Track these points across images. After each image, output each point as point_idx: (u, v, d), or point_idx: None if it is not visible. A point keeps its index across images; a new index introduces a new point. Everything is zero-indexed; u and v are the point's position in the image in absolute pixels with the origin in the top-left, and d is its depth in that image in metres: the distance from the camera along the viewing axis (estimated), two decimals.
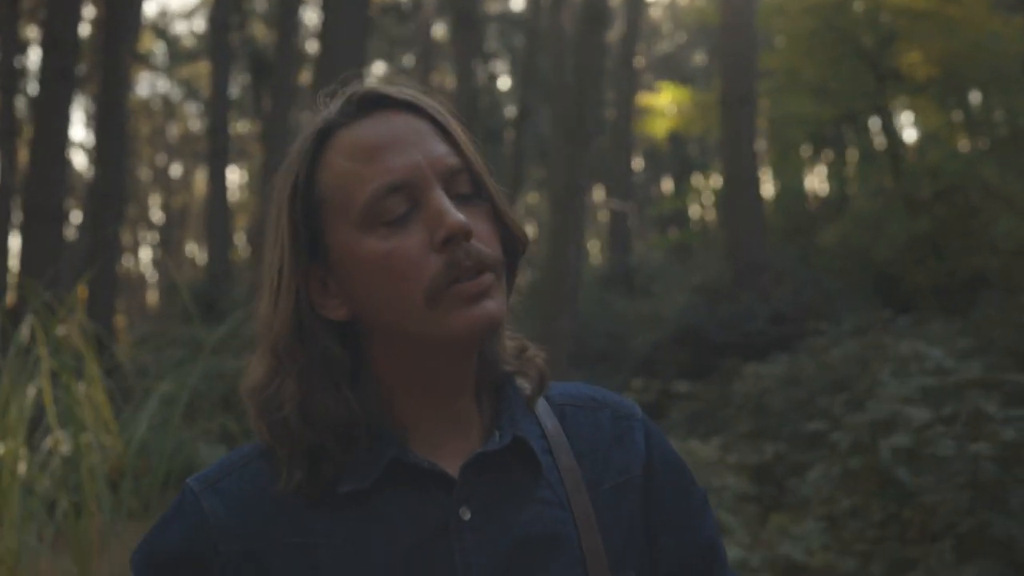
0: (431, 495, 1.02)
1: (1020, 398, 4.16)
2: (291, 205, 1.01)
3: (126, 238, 27.11)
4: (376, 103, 1.02)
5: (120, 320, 20.98)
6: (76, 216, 20.38)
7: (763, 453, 5.76)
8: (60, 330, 4.05)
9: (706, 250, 19.31)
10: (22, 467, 3.62)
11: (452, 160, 1.01)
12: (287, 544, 1.01)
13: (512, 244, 1.06)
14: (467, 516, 1.01)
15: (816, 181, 23.35)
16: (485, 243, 1.00)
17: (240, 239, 31.65)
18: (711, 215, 27.28)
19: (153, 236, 36.31)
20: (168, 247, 35.45)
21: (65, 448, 3.91)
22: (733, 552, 3.63)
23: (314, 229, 1.01)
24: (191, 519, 1.03)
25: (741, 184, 13.73)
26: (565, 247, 12.94)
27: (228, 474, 1.06)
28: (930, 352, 4.70)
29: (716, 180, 20.91)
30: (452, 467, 1.03)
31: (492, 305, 0.99)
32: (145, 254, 37.09)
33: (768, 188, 19.80)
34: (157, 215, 35.88)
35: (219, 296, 18.80)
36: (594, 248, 34.17)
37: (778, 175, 20.11)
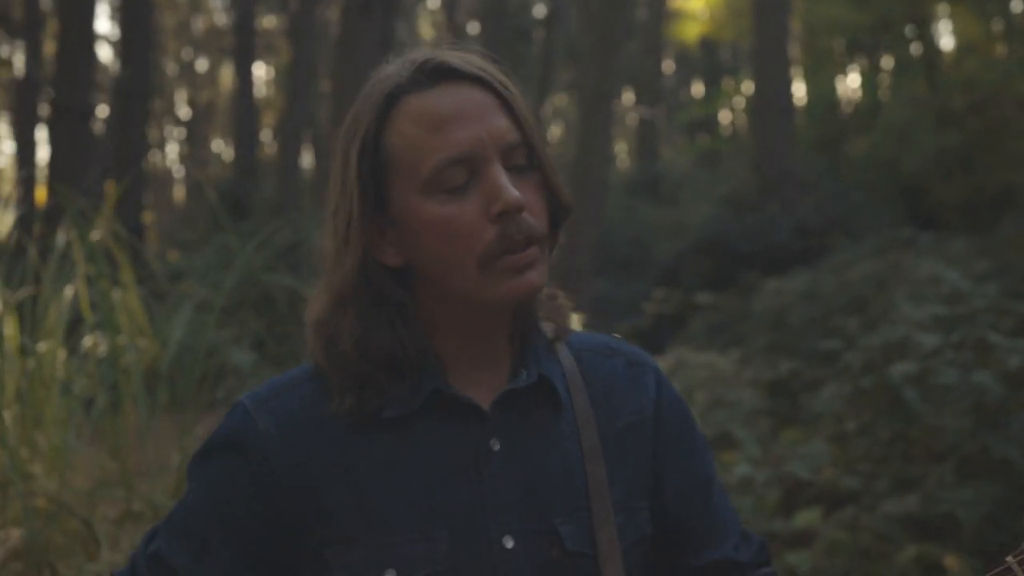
0: (465, 425, 1.13)
1: None
2: (359, 161, 1.09)
3: (152, 133, 27.16)
4: (446, 74, 1.10)
5: (148, 217, 21.19)
6: (102, 109, 20.39)
7: (778, 369, 5.88)
8: (95, 235, 4.17)
9: (734, 158, 19.18)
10: (60, 368, 3.77)
11: (512, 135, 1.09)
12: (332, 463, 1.12)
13: (557, 210, 1.15)
14: (496, 447, 1.14)
15: (849, 90, 22.99)
16: (534, 215, 1.10)
17: (267, 136, 31.66)
18: (742, 121, 26.98)
19: (179, 132, 36.30)
20: (194, 143, 35.49)
21: (102, 349, 4.07)
22: (741, 469, 3.78)
23: (379, 185, 1.10)
24: (246, 433, 1.13)
25: (772, 92, 13.58)
26: (592, 154, 12.92)
27: (279, 394, 1.16)
28: (947, 275, 4.76)
29: (748, 86, 20.63)
30: (484, 400, 1.15)
31: (535, 275, 1.09)
32: (171, 149, 37.17)
33: (800, 95, 19.54)
34: (183, 110, 35.81)
35: (246, 194, 18.93)
36: (621, 152, 33.95)
37: (811, 83, 19.82)
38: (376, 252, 1.12)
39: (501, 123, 1.09)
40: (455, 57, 1.10)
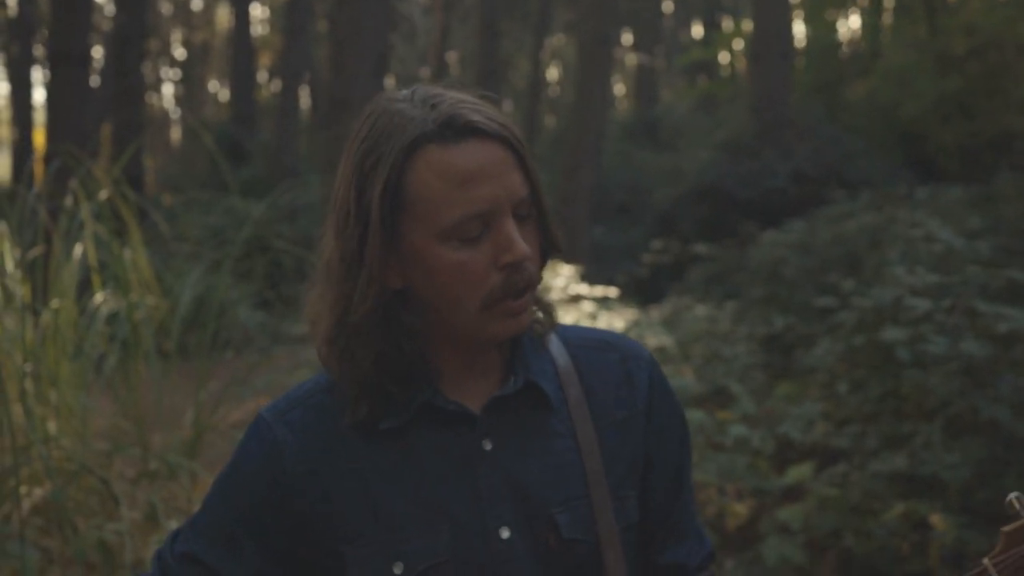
0: (458, 431, 1.25)
1: (1019, 290, 4.34)
2: (381, 200, 1.16)
3: (148, 75, 26.91)
4: (471, 132, 1.16)
5: (149, 162, 21.11)
6: (97, 52, 20.20)
7: (773, 324, 5.99)
8: (102, 195, 4.23)
9: (733, 103, 19.09)
10: (70, 329, 3.85)
11: (523, 190, 1.18)
12: (343, 469, 1.25)
13: (548, 250, 1.26)
14: (488, 447, 1.25)
15: (850, 32, 22.80)
16: (532, 260, 1.20)
17: (263, 77, 31.38)
18: (741, 63, 26.79)
19: (175, 72, 35.98)
20: (191, 84, 35.19)
21: (112, 307, 4.15)
22: (736, 430, 3.89)
23: (395, 220, 1.17)
24: (266, 445, 1.27)
25: (772, 35, 13.47)
26: (590, 99, 12.90)
27: (294, 406, 1.29)
28: (940, 234, 4.85)
29: (748, 26, 20.48)
30: (477, 406, 1.26)
31: (525, 319, 1.22)
32: (167, 90, 36.88)
33: (800, 37, 19.38)
34: (179, 51, 35.44)
35: (244, 138, 18.87)
36: (620, 93, 33.72)
37: (811, 25, 19.65)
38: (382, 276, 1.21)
39: (515, 179, 1.17)
40: (478, 114, 1.17)
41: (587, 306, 6.64)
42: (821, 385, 4.83)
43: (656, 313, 8.03)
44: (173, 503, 3.50)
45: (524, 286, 1.18)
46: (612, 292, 7.35)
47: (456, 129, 1.15)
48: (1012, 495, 1.07)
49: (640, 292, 10.04)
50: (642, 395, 1.32)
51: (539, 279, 1.23)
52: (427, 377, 1.24)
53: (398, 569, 1.21)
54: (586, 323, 6.05)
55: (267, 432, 1.27)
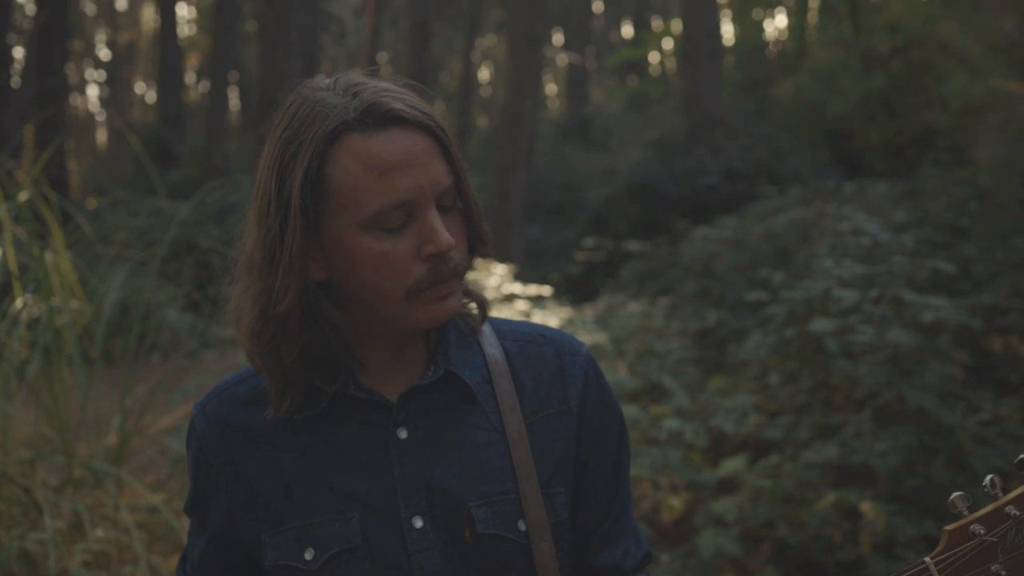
0: (374, 419, 1.24)
1: (943, 280, 4.43)
2: (302, 189, 1.13)
3: (71, 76, 26.35)
4: (394, 120, 1.14)
5: (73, 165, 20.65)
6: (18, 53, 19.71)
7: (706, 319, 6.04)
8: (21, 196, 4.12)
9: (663, 102, 19.27)
10: None
11: (447, 179, 1.16)
12: (260, 457, 1.26)
13: (475, 241, 1.24)
14: (403, 435, 1.24)
15: (776, 32, 23.16)
16: (458, 249, 1.19)
17: (191, 79, 30.91)
18: (671, 63, 27.04)
19: (100, 74, 35.25)
20: (116, 86, 34.50)
21: (34, 312, 4.04)
22: (670, 423, 3.91)
23: (316, 211, 1.15)
24: (193, 438, 1.31)
25: (701, 35, 13.64)
26: (522, 100, 12.91)
27: (215, 397, 1.31)
28: (867, 227, 4.92)
29: (677, 26, 20.70)
30: (396, 396, 1.25)
31: (453, 303, 1.20)
32: (92, 92, 36.11)
33: (728, 38, 19.65)
34: (103, 52, 34.75)
35: (172, 140, 18.57)
36: (551, 93, 33.83)
37: (739, 24, 19.93)
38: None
39: (439, 169, 1.16)
40: (401, 102, 1.15)
41: (521, 305, 6.63)
42: (753, 378, 4.88)
43: (590, 311, 8.06)
44: (99, 511, 3.41)
45: (449, 276, 1.17)
46: (546, 291, 7.35)
47: (378, 117, 1.14)
48: (955, 495, 1.07)
49: (574, 290, 10.08)
50: (576, 391, 1.30)
51: (465, 268, 1.21)
52: (348, 368, 1.23)
53: (308, 554, 1.21)
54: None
55: (192, 425, 1.31)
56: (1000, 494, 1.07)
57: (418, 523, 1.21)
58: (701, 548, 3.35)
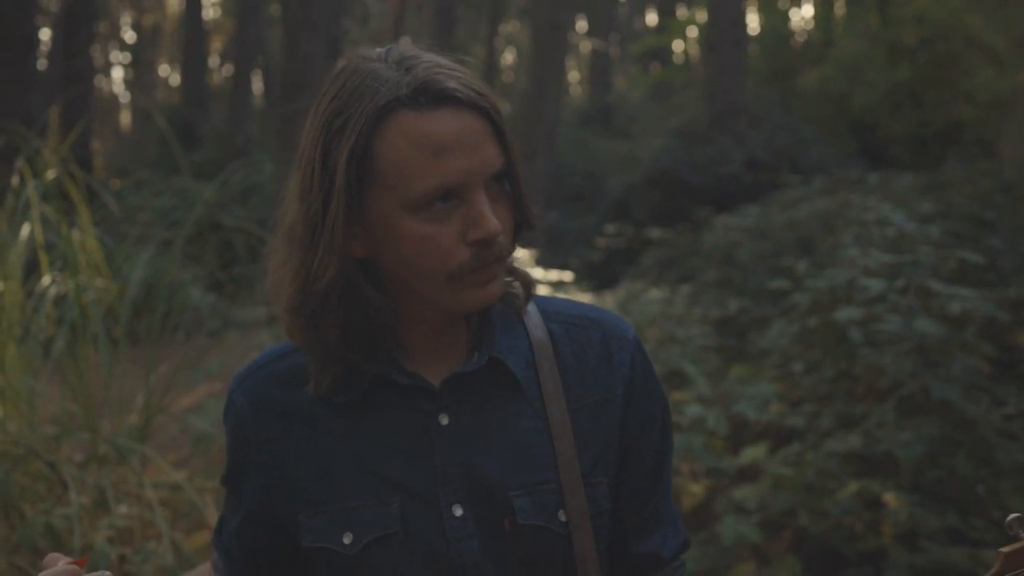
0: (415, 405, 1.21)
1: (969, 273, 4.40)
2: (348, 165, 1.10)
3: (97, 58, 26.45)
4: (447, 100, 1.10)
5: (97, 146, 20.76)
6: (44, 35, 19.79)
7: (728, 307, 6.02)
8: (49, 175, 4.14)
9: (686, 90, 19.18)
10: (16, 312, 3.76)
11: (499, 162, 1.13)
12: (299, 437, 1.23)
13: (522, 224, 1.21)
14: (445, 421, 1.21)
15: (803, 22, 23.01)
16: (506, 232, 1.16)
17: (214, 62, 30.98)
18: (695, 51, 26.90)
19: (125, 56, 35.35)
20: (140, 68, 34.62)
21: (61, 289, 4.06)
22: (692, 410, 3.90)
23: (360, 188, 1.12)
24: (231, 414, 1.28)
25: (726, 23, 13.56)
26: (544, 86, 12.85)
27: (253, 373, 1.28)
28: (893, 217, 4.89)
29: (702, 15, 20.59)
30: (439, 380, 1.22)
31: (495, 288, 1.17)
32: (117, 74, 36.23)
33: (754, 26, 19.53)
34: (128, 34, 34.85)
35: (196, 121, 18.63)
36: (573, 81, 33.72)
37: (764, 14, 19.81)
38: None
39: (491, 152, 1.12)
40: (455, 81, 1.11)
41: (542, 290, 6.63)
42: (775, 366, 4.86)
43: (610, 297, 8.04)
44: (123, 487, 3.44)
45: (493, 261, 1.14)
46: (567, 276, 7.34)
47: (431, 95, 1.10)
48: (1011, 517, 1.04)
49: (594, 276, 10.06)
50: (623, 378, 1.26)
51: (510, 253, 1.19)
52: (389, 351, 1.21)
53: (347, 539, 1.19)
54: None
55: (230, 400, 1.28)
56: (1022, 534, 1.04)
57: (458, 511, 1.19)
58: (722, 535, 3.35)
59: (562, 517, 1.20)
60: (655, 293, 7.29)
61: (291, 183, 1.19)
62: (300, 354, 1.24)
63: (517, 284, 1.26)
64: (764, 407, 4.06)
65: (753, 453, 3.93)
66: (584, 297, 7.23)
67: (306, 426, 1.23)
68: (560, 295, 6.72)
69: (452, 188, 1.10)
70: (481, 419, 1.22)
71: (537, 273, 6.88)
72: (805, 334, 4.61)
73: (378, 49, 1.16)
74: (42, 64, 16.97)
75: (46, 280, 4.01)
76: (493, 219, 1.11)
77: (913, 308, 3.83)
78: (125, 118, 34.58)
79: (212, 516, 3.22)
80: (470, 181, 1.11)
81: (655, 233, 8.93)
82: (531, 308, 1.29)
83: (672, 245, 9.08)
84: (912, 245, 4.44)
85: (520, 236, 1.22)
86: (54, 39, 19.43)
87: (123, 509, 3.30)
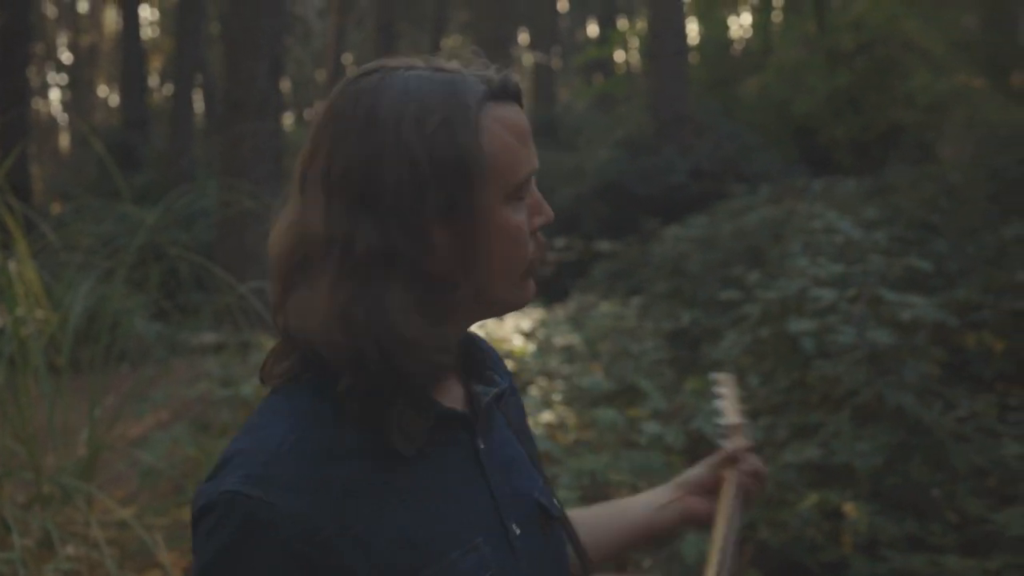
0: (457, 434, 1.16)
1: (917, 277, 4.44)
2: (458, 160, 1.04)
3: (33, 79, 26.00)
4: (516, 95, 1.14)
5: (36, 170, 20.37)
6: None
7: (679, 319, 6.03)
8: None
9: (629, 100, 19.29)
10: None
11: None
12: (367, 510, 1.04)
13: None
14: (482, 446, 1.19)
15: (742, 30, 23.28)
16: None
17: (154, 81, 30.60)
18: (636, 61, 27.11)
19: (62, 77, 34.80)
20: (78, 89, 34.10)
21: None
22: (650, 428, 3.88)
23: (464, 186, 1.05)
24: (265, 522, 0.98)
25: (667, 34, 13.66)
26: None
27: (271, 466, 1.01)
28: (840, 225, 4.93)
29: (643, 25, 20.74)
30: (455, 403, 1.20)
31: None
32: (54, 95, 35.65)
33: (693, 36, 19.69)
34: (65, 55, 34.31)
35: (136, 143, 18.37)
36: None
37: (704, 23, 20.00)
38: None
39: None
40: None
41: None
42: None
43: (561, 311, 8.02)
44: (69, 528, 3.33)
45: (542, 250, 1.18)
46: None
47: (510, 91, 1.13)
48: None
49: (545, 290, 10.04)
50: (507, 373, 1.35)
51: None
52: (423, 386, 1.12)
53: None
54: (493, 324, 6.01)
55: (258, 509, 0.98)
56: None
57: (517, 529, 1.17)
58: (684, 552, 3.32)
59: (558, 504, 1.28)
60: (606, 306, 7.28)
61: (313, 210, 1.07)
62: (313, 427, 1.05)
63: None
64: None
65: None
66: (536, 312, 7.20)
67: (371, 494, 1.04)
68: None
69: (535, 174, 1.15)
70: (496, 437, 1.23)
71: None
72: (757, 344, 4.61)
73: (410, 60, 1.12)
74: None
75: None
76: (548, 206, 1.16)
77: (864, 316, 3.85)
78: (64, 140, 34.02)
79: (162, 554, 3.11)
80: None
81: (604, 246, 8.95)
82: None
83: (621, 257, 9.10)
84: (860, 254, 4.47)
85: None
86: None
87: (69, 550, 3.19)
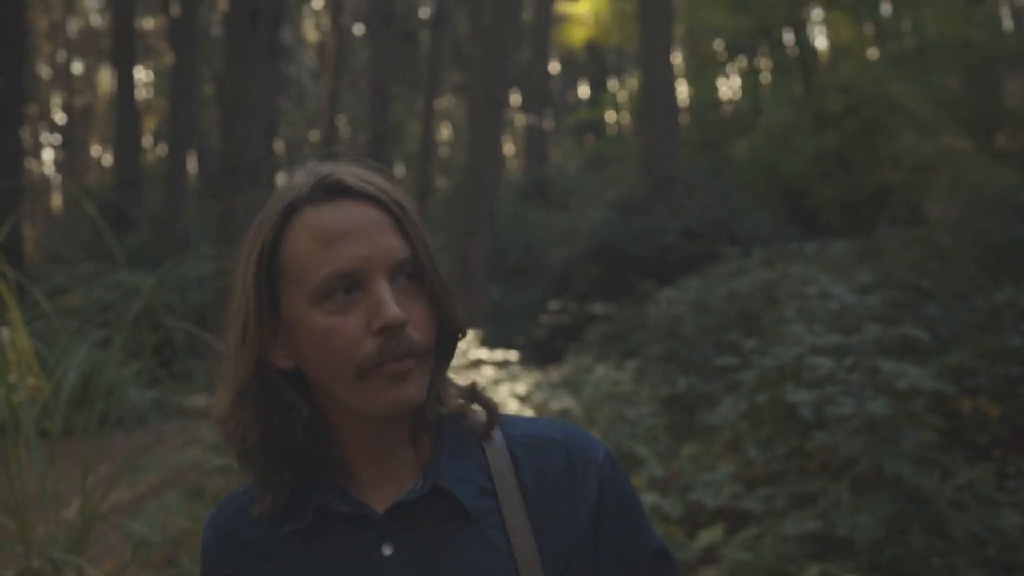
0: (361, 533, 1.16)
1: (912, 346, 4.44)
2: (257, 267, 1.14)
3: (26, 140, 26.13)
4: (343, 191, 1.14)
5: (29, 230, 20.37)
6: None
7: (675, 384, 6.02)
8: None
9: (621, 161, 19.46)
10: None
11: (402, 252, 1.12)
12: (257, 570, 1.21)
13: (449, 325, 1.18)
14: (388, 552, 1.15)
15: (731, 92, 23.57)
16: (420, 328, 1.12)
17: (148, 142, 30.77)
18: (627, 120, 27.37)
19: (55, 137, 34.99)
20: (72, 150, 34.24)
21: None
22: (649, 498, 3.85)
23: (273, 290, 1.15)
24: (202, 550, 1.28)
25: (658, 95, 13.82)
26: (483, 162, 12.94)
27: (222, 508, 1.28)
28: (834, 290, 4.95)
29: (633, 86, 21.02)
30: (384, 507, 1.17)
31: (411, 389, 1.12)
32: (47, 156, 35.79)
33: (684, 98, 19.93)
34: (59, 115, 34.52)
35: (130, 205, 18.40)
36: (509, 153, 34.07)
37: (694, 85, 20.25)
38: (268, 354, 1.16)
39: (392, 241, 1.12)
40: (352, 175, 1.14)
41: (488, 371, 6.56)
42: (725, 444, 4.84)
43: (556, 374, 8.00)
44: None
45: (403, 354, 1.10)
46: (513, 355, 7.29)
47: (327, 188, 1.14)
48: None
49: (539, 353, 10.03)
50: (587, 507, 1.18)
51: (427, 351, 1.14)
52: (333, 475, 1.18)
53: None
54: (489, 390, 5.98)
55: (203, 537, 1.28)
56: None
57: None
58: None
59: None
60: (601, 369, 7.27)
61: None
62: (255, 491, 1.23)
63: (478, 408, 1.22)
64: (719, 491, 4.03)
65: (710, 536, 3.89)
66: (531, 377, 7.18)
67: (264, 560, 1.21)
68: (507, 376, 6.66)
69: (351, 276, 1.10)
70: (427, 550, 1.15)
71: (483, 353, 6.82)
72: (754, 410, 4.60)
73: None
74: None
75: None
76: (394, 306, 1.09)
77: (862, 385, 3.85)
78: (56, 200, 34.08)
79: None
80: (368, 268, 1.11)
81: (598, 308, 8.96)
82: (495, 433, 1.23)
83: (615, 320, 9.10)
84: (855, 321, 4.48)
85: (447, 339, 1.19)
86: None
87: None
